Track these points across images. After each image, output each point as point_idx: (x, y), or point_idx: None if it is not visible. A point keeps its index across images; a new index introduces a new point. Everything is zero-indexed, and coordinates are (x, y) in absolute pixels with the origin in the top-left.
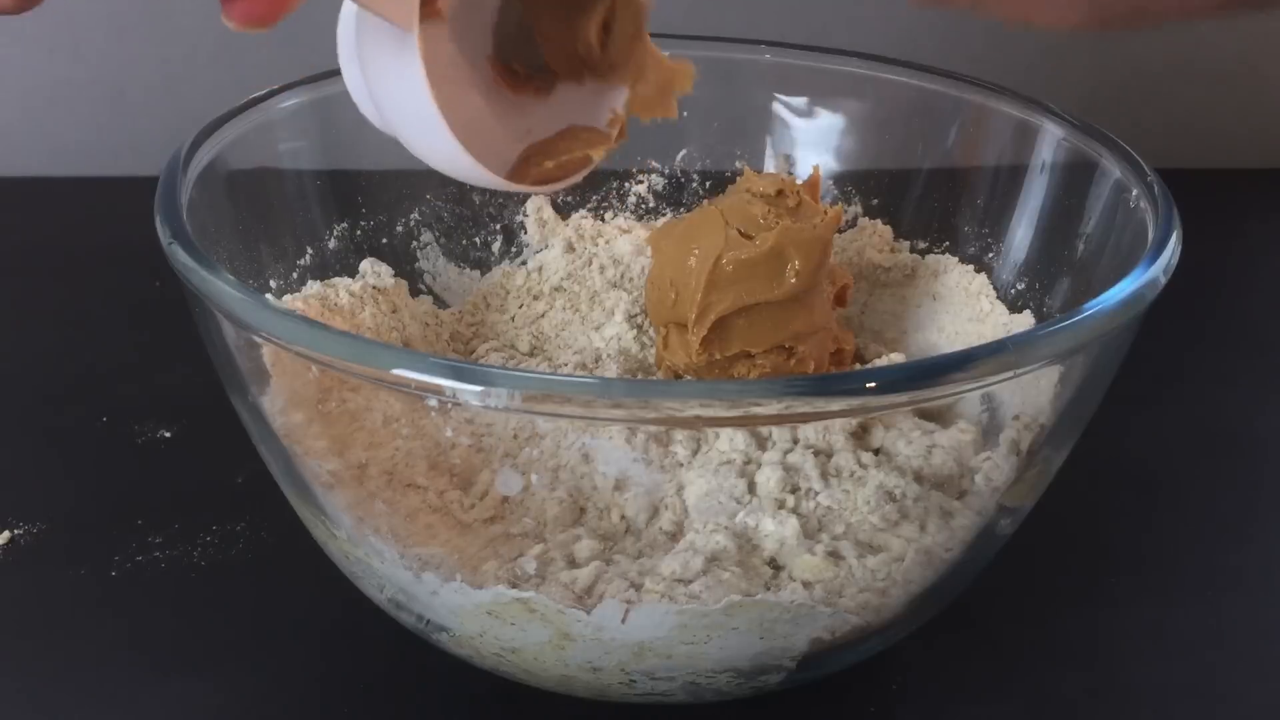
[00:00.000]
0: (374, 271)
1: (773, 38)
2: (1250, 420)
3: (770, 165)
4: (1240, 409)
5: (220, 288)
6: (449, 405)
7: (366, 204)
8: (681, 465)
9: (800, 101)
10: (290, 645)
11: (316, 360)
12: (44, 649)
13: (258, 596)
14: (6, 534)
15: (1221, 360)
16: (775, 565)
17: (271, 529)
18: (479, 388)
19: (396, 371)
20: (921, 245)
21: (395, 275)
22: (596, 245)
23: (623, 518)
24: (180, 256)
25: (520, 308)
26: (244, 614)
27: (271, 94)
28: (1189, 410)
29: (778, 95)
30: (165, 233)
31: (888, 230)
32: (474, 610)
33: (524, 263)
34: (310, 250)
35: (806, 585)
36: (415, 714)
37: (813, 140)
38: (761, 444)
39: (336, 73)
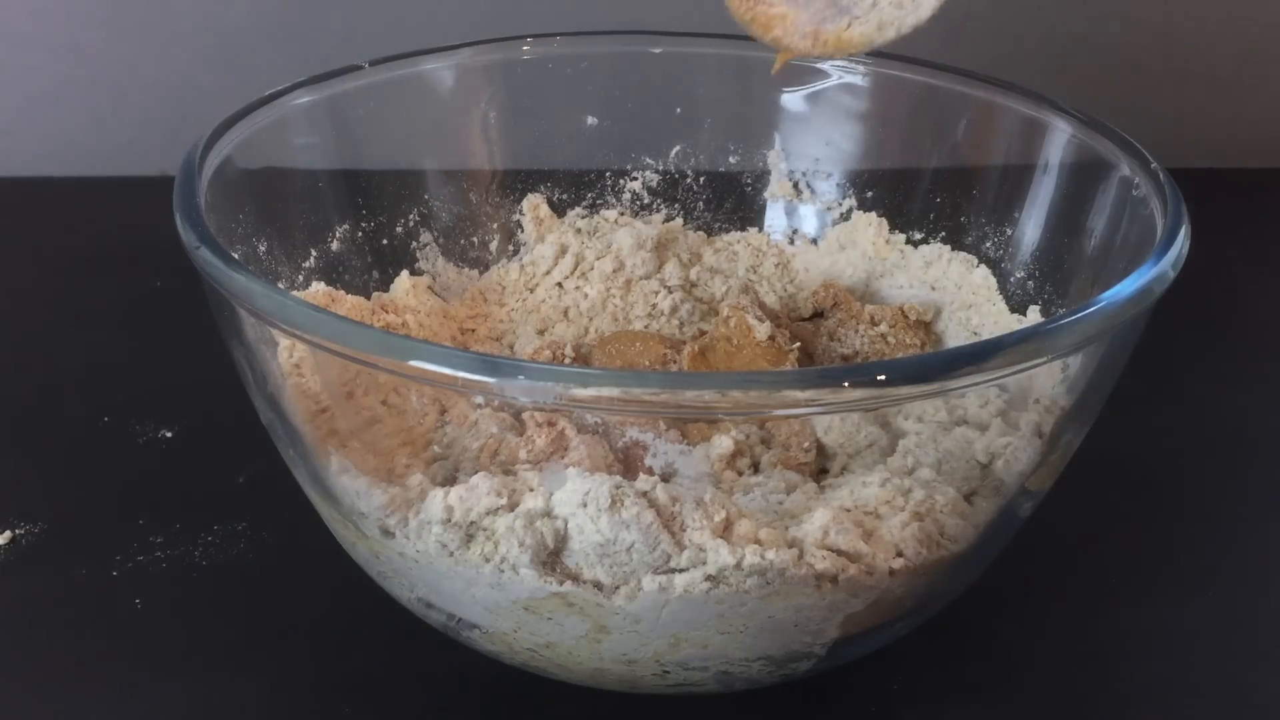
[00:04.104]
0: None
1: None
2: (1250, 420)
3: (771, 165)
4: (1240, 409)
5: (249, 286)
6: (481, 402)
7: (366, 205)
8: None
9: (802, 99)
10: (291, 645)
11: (349, 358)
12: (44, 649)
13: (259, 596)
14: (7, 534)
15: (1221, 360)
16: (808, 551)
17: (273, 529)
18: (523, 381)
19: (428, 367)
20: (925, 239)
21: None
22: (592, 241)
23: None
24: (207, 258)
25: (518, 303)
26: (245, 614)
27: (276, 95)
28: (1189, 410)
29: (781, 92)
30: (191, 235)
31: (883, 224)
32: (510, 606)
33: (521, 260)
34: (314, 252)
35: (840, 571)
36: (415, 714)
37: (817, 137)
38: None
39: (340, 73)
